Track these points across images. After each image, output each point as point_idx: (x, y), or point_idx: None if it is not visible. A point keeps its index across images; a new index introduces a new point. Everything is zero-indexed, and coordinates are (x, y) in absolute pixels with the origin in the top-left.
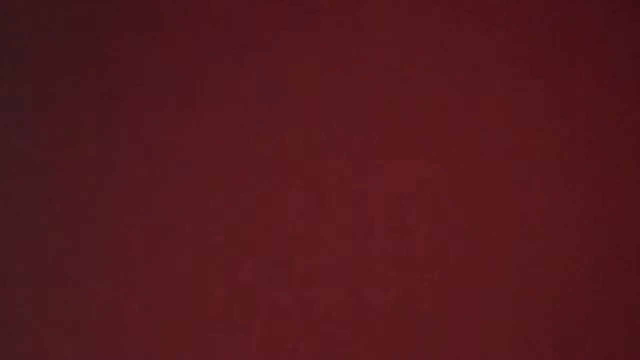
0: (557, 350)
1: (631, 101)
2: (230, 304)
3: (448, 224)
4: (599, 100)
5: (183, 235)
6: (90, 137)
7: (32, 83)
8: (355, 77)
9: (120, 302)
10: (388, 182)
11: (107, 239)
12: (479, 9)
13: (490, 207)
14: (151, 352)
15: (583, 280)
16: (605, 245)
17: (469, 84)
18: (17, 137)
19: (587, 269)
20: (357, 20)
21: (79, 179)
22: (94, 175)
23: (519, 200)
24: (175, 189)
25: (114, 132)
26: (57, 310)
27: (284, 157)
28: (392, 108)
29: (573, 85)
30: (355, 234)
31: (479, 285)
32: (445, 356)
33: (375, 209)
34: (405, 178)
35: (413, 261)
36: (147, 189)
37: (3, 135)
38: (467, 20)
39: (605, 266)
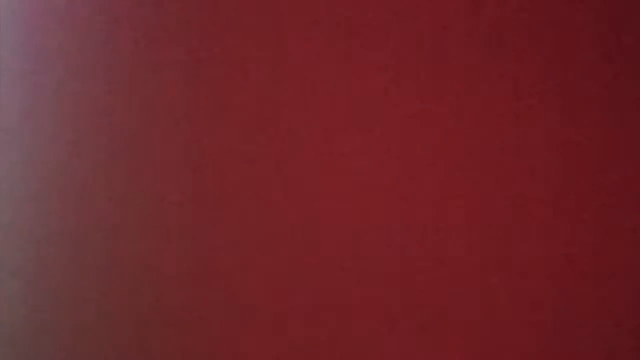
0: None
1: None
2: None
3: (450, 219)
4: (601, 100)
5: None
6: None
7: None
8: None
9: (117, 297)
10: (389, 177)
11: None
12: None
13: (489, 203)
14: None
15: (581, 281)
16: (606, 244)
17: (464, 80)
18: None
19: (586, 268)
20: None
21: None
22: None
23: (517, 196)
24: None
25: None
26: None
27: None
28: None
29: (572, 82)
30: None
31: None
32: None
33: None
34: (406, 173)
35: (413, 259)
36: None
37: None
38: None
39: (605, 266)
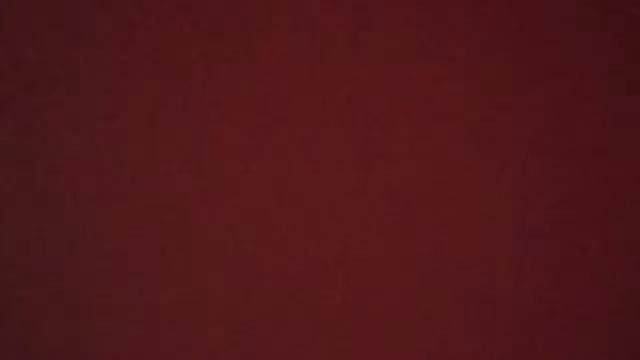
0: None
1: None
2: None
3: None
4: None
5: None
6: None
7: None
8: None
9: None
10: (388, 178)
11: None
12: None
13: (490, 203)
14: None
15: (577, 281)
16: (604, 243)
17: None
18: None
19: (581, 268)
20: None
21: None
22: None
23: (517, 197)
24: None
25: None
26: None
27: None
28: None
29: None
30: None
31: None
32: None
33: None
34: (403, 173)
35: (413, 261)
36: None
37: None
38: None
39: (602, 265)
